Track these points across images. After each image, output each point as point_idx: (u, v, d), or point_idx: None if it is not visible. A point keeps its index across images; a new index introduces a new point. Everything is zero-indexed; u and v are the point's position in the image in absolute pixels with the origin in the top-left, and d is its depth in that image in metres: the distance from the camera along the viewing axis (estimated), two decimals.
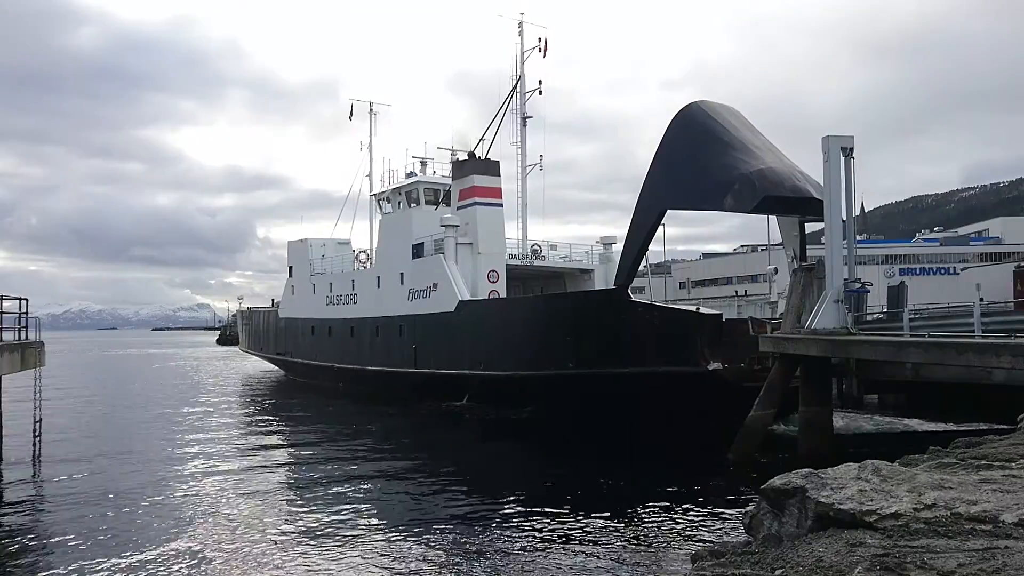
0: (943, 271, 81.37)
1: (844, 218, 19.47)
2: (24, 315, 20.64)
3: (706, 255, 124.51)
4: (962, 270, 70.39)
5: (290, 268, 48.36)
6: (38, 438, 21.74)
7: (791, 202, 21.71)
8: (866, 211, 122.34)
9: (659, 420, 22.48)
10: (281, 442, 24.65)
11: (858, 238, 27.16)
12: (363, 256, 43.93)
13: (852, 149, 19.28)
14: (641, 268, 26.30)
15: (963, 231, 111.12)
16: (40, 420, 21.81)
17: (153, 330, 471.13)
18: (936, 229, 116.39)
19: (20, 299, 20.61)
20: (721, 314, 24.32)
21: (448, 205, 36.55)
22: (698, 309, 24.53)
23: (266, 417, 31.12)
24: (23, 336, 20.57)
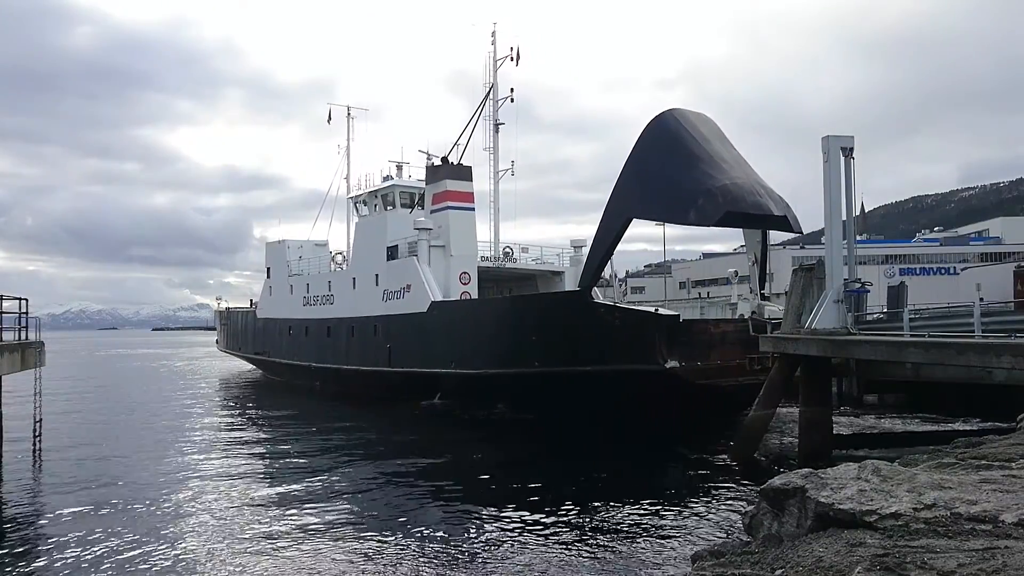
0: (943, 271, 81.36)
1: (844, 218, 19.48)
2: (24, 315, 20.63)
3: (706, 255, 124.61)
4: (962, 270, 70.36)
5: (268, 269, 48.93)
6: (38, 438, 21.75)
7: (752, 217, 22.93)
8: (866, 211, 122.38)
9: (622, 415, 23.59)
10: (266, 444, 24.66)
11: (858, 238, 27.32)
12: (339, 258, 44.53)
13: (852, 149, 19.27)
14: (607, 273, 27.28)
15: (963, 231, 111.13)
16: (40, 420, 21.82)
17: (153, 330, 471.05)
18: (936, 229, 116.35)
19: (20, 299, 20.60)
20: (678, 315, 25.27)
21: (423, 208, 37.27)
22: (656, 310, 25.27)
23: (250, 418, 31.26)
24: (23, 336, 20.57)
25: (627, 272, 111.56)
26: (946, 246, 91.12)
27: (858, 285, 18.99)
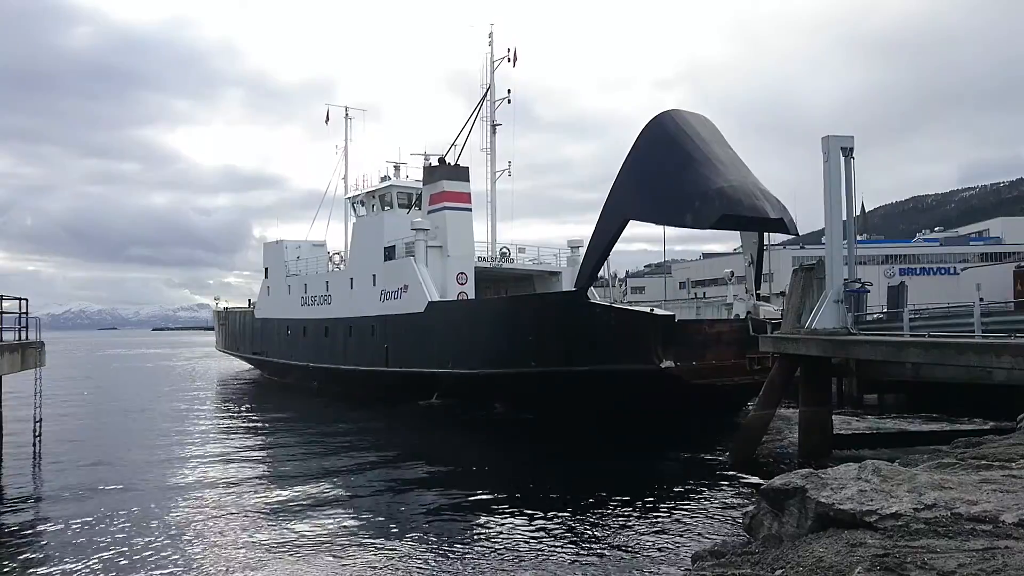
0: (943, 271, 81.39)
1: (844, 218, 19.48)
2: (24, 315, 20.64)
3: (706, 255, 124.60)
4: (962, 270, 70.40)
5: (266, 269, 49.09)
6: (38, 438, 21.76)
7: (749, 220, 23.10)
8: (866, 211, 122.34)
9: (618, 415, 23.65)
10: (264, 444, 24.78)
11: (858, 238, 27.38)
12: (337, 258, 44.69)
13: (852, 149, 19.26)
14: (604, 273, 27.46)
15: (963, 231, 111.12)
16: (40, 420, 21.82)
17: (153, 330, 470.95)
18: (936, 229, 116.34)
19: (20, 299, 20.61)
20: (673, 315, 25.47)
21: (420, 208, 37.44)
22: (652, 311, 25.40)
23: (247, 418, 31.33)
24: (23, 336, 20.57)
25: (627, 272, 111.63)
26: (946, 246, 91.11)
27: (858, 285, 18.97)
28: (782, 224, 23.77)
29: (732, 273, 34.37)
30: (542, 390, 26.77)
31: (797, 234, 26.70)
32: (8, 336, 19.78)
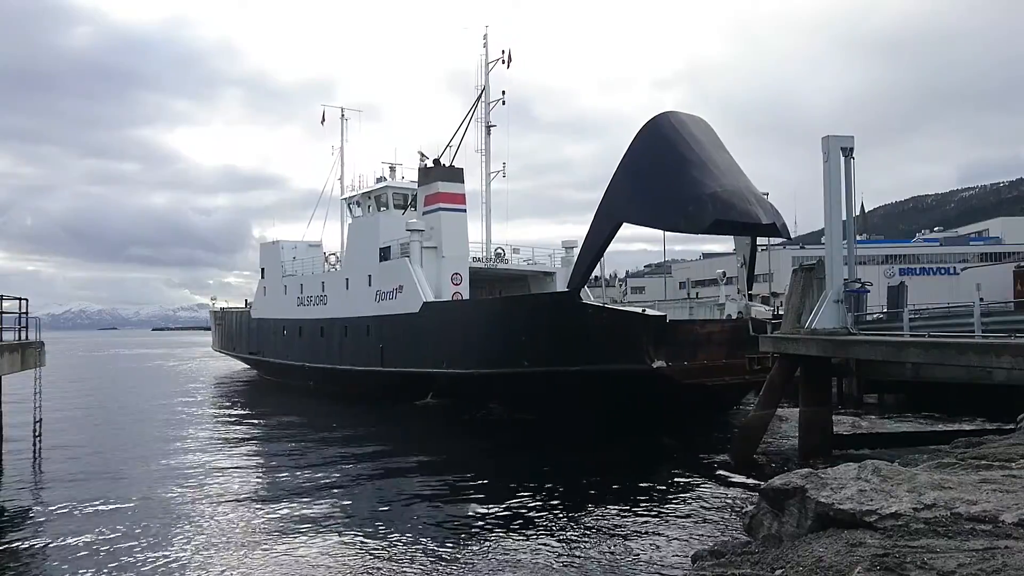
0: (943, 271, 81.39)
1: (844, 218, 19.49)
2: (24, 315, 20.64)
3: (706, 255, 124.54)
4: (962, 270, 70.36)
5: (262, 270, 49.27)
6: (38, 438, 21.75)
7: (742, 224, 23.15)
8: (866, 211, 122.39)
9: (611, 415, 23.79)
10: (261, 445, 24.83)
11: (858, 238, 27.49)
12: (333, 258, 44.86)
13: (852, 149, 19.27)
14: (598, 274, 27.81)
15: (963, 231, 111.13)
16: (40, 420, 21.82)
17: (153, 330, 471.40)
18: (936, 229, 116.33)
19: (20, 299, 20.61)
20: (665, 315, 25.47)
21: (415, 209, 37.68)
22: (643, 311, 25.46)
23: (245, 420, 31.39)
24: (23, 336, 20.57)
25: (627, 272, 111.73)
26: (946, 246, 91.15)
27: (858, 285, 18.98)
28: (774, 229, 23.92)
29: (724, 274, 34.51)
30: (535, 390, 26.85)
31: (789, 237, 26.89)
32: (8, 336, 19.78)
